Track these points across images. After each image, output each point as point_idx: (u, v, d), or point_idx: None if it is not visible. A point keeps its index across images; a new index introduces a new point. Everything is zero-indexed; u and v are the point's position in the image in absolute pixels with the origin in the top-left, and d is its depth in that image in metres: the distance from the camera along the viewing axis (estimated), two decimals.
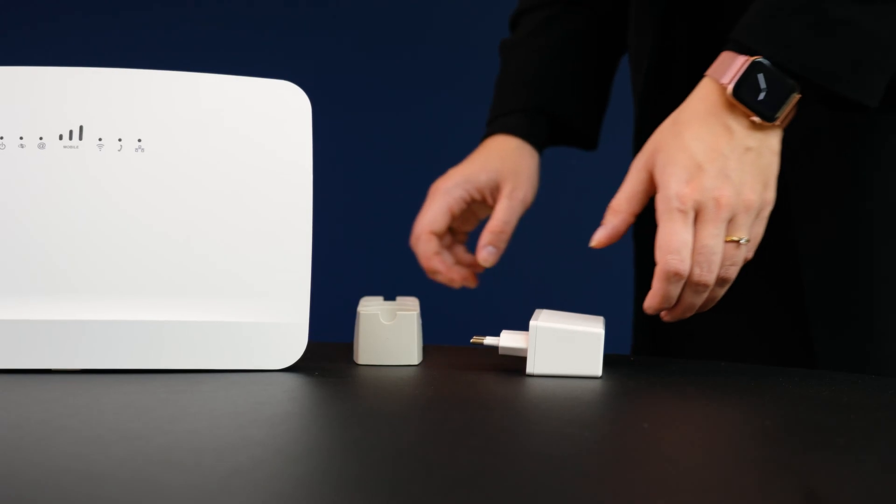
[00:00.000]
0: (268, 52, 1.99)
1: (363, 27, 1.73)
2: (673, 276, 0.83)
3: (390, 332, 0.88)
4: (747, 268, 0.90)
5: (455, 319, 1.12)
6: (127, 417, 0.68)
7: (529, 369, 0.84)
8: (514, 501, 0.51)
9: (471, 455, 0.59)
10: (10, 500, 0.49)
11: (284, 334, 0.85)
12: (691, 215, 0.83)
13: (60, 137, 0.83)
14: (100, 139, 0.84)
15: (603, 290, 1.68)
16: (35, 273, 0.82)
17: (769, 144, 0.86)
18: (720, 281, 0.85)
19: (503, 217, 1.09)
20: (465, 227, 1.15)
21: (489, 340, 0.86)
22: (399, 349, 0.88)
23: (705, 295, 0.85)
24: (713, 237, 0.83)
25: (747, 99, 0.85)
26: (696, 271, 0.83)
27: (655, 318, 0.92)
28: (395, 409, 0.73)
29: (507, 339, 0.86)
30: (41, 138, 0.83)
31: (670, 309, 0.88)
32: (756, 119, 0.85)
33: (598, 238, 0.89)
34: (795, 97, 0.85)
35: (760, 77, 0.85)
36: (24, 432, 0.63)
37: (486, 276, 1.13)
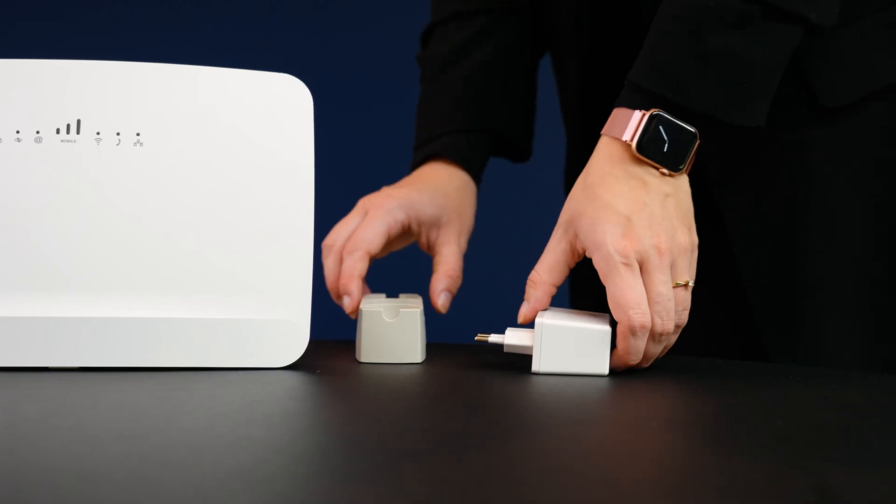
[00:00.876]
0: (267, 47, 1.99)
1: (365, 22, 1.72)
2: (639, 331, 0.82)
3: (393, 329, 0.87)
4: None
5: (458, 317, 1.10)
6: (123, 416, 0.67)
7: (535, 367, 0.82)
8: (520, 503, 0.50)
9: (476, 455, 0.58)
10: (4, 500, 0.48)
11: (285, 332, 0.84)
12: (636, 267, 0.82)
13: (58, 131, 0.82)
14: (97, 133, 0.83)
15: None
16: (31, 269, 0.81)
17: (682, 188, 0.86)
18: (675, 328, 0.85)
19: (456, 262, 1.05)
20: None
21: (494, 338, 0.85)
22: (402, 347, 0.87)
23: (664, 343, 0.85)
24: (663, 284, 0.82)
25: (652, 153, 0.85)
26: (657, 321, 0.82)
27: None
28: (398, 409, 0.73)
29: (513, 337, 0.84)
30: (38, 132, 0.82)
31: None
32: (665, 171, 0.85)
33: (523, 314, 0.87)
34: (696, 144, 0.86)
35: (661, 129, 0.85)
36: (18, 431, 0.63)
37: (488, 274, 1.12)
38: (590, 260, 0.84)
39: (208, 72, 0.84)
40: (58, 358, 0.81)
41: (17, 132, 0.82)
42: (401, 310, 0.87)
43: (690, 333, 0.90)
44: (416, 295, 0.98)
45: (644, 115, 0.85)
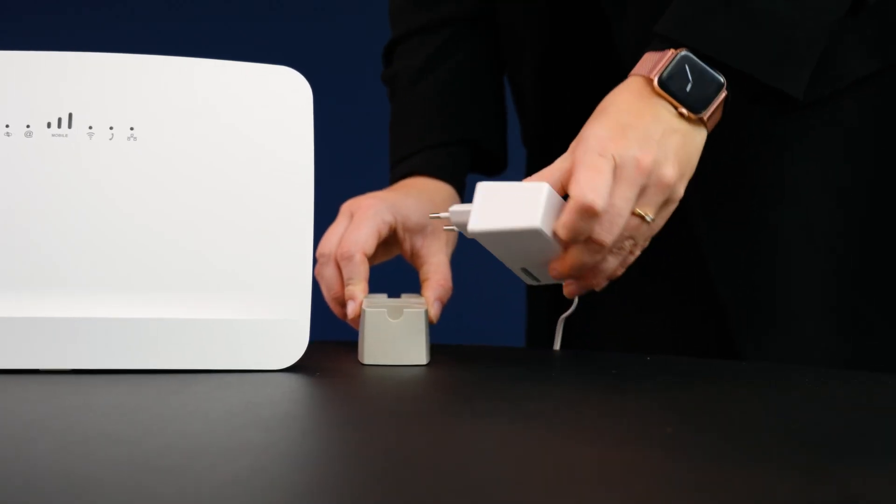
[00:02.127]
0: (266, 40, 1.98)
1: (367, 14, 1.71)
2: (586, 212, 0.79)
3: (397, 329, 0.86)
4: (658, 271, 0.93)
5: (461, 317, 1.09)
6: (116, 419, 0.66)
7: (471, 226, 0.81)
8: None
9: (483, 462, 0.57)
10: None
11: (284, 332, 0.82)
12: (611, 165, 0.80)
13: (49, 125, 0.81)
14: (90, 127, 0.81)
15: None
16: (21, 269, 0.80)
17: (695, 138, 0.85)
18: (615, 251, 0.83)
19: (447, 271, 1.02)
20: None
21: (443, 214, 0.87)
22: (407, 348, 0.86)
23: (599, 259, 0.82)
24: (624, 199, 0.80)
25: (674, 89, 0.84)
26: (597, 229, 0.80)
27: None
28: (402, 412, 0.72)
29: (457, 207, 0.86)
30: (28, 126, 0.81)
31: (575, 280, 0.86)
32: (684, 111, 0.84)
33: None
34: (723, 94, 0.84)
35: (687, 69, 0.84)
36: (4, 434, 0.62)
37: (492, 272, 1.10)
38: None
39: (204, 64, 0.83)
40: (49, 360, 0.80)
41: (7, 126, 0.80)
42: (405, 310, 0.86)
43: (662, 330, 0.90)
44: (419, 295, 0.97)
45: (674, 53, 0.84)
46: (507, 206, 0.81)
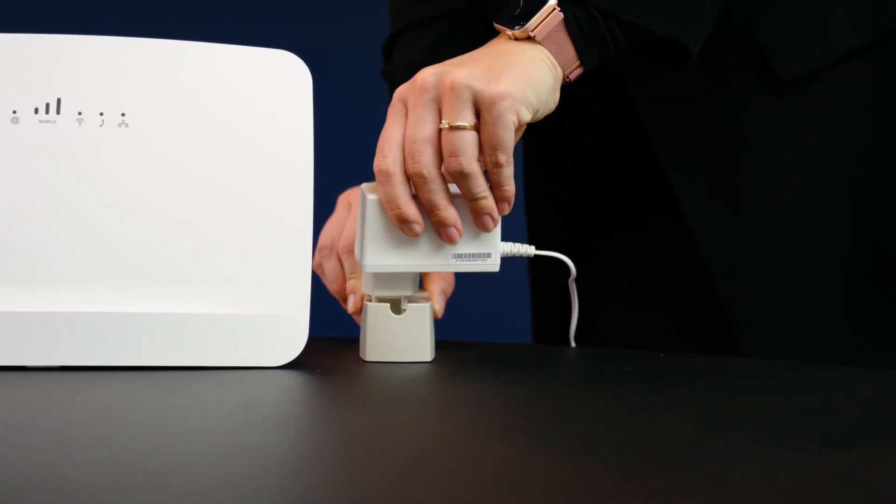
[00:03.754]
0: (266, 22, 1.96)
1: (368, 7, 1.70)
2: (380, 176, 0.79)
3: (401, 325, 0.84)
4: (658, 270, 0.95)
5: (463, 312, 1.07)
6: (105, 420, 0.65)
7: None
8: None
9: (492, 464, 0.55)
10: None
11: (282, 328, 0.80)
12: (399, 109, 0.80)
13: (36, 111, 0.79)
14: (79, 113, 0.80)
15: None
16: (7, 262, 0.78)
17: (529, 53, 0.83)
18: (457, 175, 0.80)
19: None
20: None
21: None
22: (411, 344, 0.84)
23: (436, 188, 0.80)
24: (415, 125, 0.79)
25: (502, 19, 0.84)
26: (408, 164, 0.79)
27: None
28: (406, 412, 0.70)
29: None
30: (14, 112, 0.79)
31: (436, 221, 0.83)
32: (509, 33, 0.83)
33: None
34: (551, 10, 0.82)
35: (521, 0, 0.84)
36: None
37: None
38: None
39: (198, 47, 0.81)
40: (37, 356, 0.78)
41: None
42: (409, 304, 0.84)
43: (662, 329, 0.90)
44: (421, 288, 0.94)
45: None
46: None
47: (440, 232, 0.80)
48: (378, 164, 0.79)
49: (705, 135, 0.99)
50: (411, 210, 0.79)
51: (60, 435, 0.60)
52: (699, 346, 1.03)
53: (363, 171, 1.12)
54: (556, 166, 1.11)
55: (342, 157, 1.57)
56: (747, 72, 0.96)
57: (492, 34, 0.96)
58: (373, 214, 0.81)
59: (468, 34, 1.12)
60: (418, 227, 0.80)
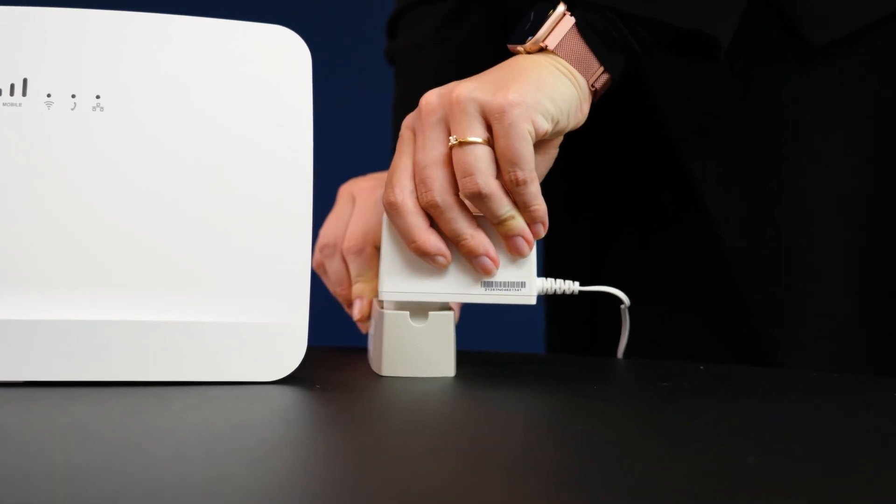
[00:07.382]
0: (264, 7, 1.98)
1: None
2: (389, 210, 0.78)
3: (422, 335, 0.78)
4: (687, 271, 0.96)
5: (471, 319, 1.04)
6: (67, 447, 0.58)
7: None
8: None
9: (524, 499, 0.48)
10: None
11: (277, 337, 0.77)
12: (408, 137, 0.79)
13: None
14: (48, 95, 0.75)
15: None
16: None
17: (542, 63, 0.80)
18: (475, 198, 0.76)
19: None
20: None
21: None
22: (433, 357, 0.78)
23: (454, 216, 0.77)
24: (423, 150, 0.77)
25: (513, 38, 0.82)
26: (420, 193, 0.77)
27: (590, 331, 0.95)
28: (421, 439, 0.64)
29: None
30: None
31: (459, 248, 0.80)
32: (520, 48, 0.81)
33: None
34: (562, 16, 0.81)
35: (531, 15, 0.82)
36: None
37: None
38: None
39: (183, 22, 0.77)
40: (0, 370, 0.73)
41: None
42: (430, 312, 0.78)
43: (697, 325, 0.92)
44: None
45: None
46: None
47: (473, 264, 0.77)
48: (387, 196, 0.76)
49: (725, 113, 0.96)
50: (431, 241, 0.76)
51: (15, 469, 0.53)
52: (730, 345, 1.00)
53: (366, 160, 1.09)
54: (568, 166, 1.09)
55: (343, 145, 1.55)
56: (772, 42, 0.93)
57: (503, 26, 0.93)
58: (388, 235, 0.77)
59: (476, 14, 1.10)
60: (443, 260, 0.76)
